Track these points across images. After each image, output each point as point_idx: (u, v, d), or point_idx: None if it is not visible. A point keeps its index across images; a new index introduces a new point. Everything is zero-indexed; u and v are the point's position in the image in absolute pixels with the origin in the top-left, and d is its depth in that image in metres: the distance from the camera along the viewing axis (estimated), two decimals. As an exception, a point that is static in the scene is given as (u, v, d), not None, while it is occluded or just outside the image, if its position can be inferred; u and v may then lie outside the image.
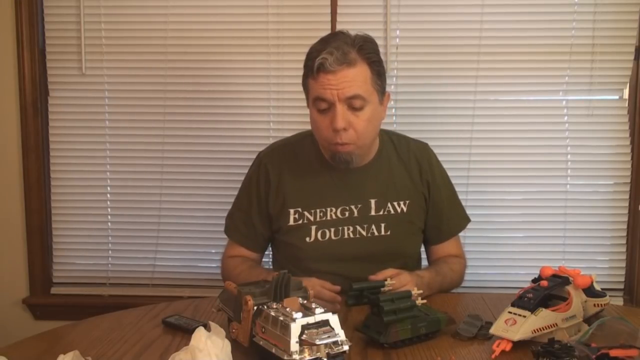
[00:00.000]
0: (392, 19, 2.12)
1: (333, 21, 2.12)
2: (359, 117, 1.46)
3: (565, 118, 2.14)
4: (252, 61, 2.16)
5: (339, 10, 2.12)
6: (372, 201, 1.58)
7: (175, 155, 2.21)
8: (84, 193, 2.25)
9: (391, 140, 1.65)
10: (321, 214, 1.56)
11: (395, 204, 1.59)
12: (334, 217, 1.57)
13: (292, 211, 1.58)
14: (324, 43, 1.48)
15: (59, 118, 2.23)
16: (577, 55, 2.10)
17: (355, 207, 1.57)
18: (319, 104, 1.47)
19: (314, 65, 1.44)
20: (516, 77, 2.13)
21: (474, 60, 2.12)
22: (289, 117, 2.16)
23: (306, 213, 1.57)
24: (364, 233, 1.57)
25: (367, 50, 1.47)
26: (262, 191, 1.60)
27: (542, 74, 2.11)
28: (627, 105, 2.13)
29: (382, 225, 1.57)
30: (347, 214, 1.57)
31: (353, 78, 1.44)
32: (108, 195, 2.24)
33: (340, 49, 1.43)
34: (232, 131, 2.19)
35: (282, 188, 1.59)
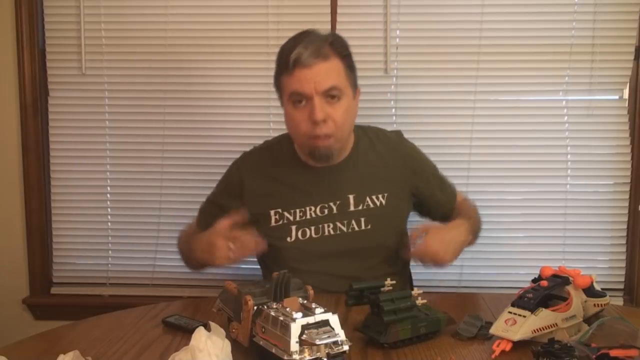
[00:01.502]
0: (392, 19, 2.12)
1: (333, 21, 2.12)
2: (337, 108, 1.49)
3: (565, 118, 2.14)
4: (252, 61, 2.16)
5: (339, 10, 2.12)
6: (351, 197, 1.59)
7: (175, 155, 2.21)
8: (84, 193, 2.25)
9: (366, 135, 1.67)
10: (301, 214, 1.58)
11: (374, 197, 1.60)
12: (313, 215, 1.58)
13: (272, 212, 1.59)
14: (295, 40, 1.51)
15: (59, 118, 2.23)
16: (577, 55, 2.10)
17: (334, 204, 1.58)
18: (296, 98, 1.49)
19: (289, 61, 1.46)
20: (516, 77, 2.12)
21: (474, 60, 2.12)
22: (289, 117, 2.16)
23: (286, 213, 1.58)
24: (344, 229, 1.57)
25: (338, 45, 1.51)
26: (232, 196, 1.65)
27: (542, 74, 2.11)
28: (627, 105, 2.13)
29: (362, 219, 1.58)
30: (326, 211, 1.58)
31: (328, 71, 1.47)
32: (108, 195, 2.24)
33: (314, 44, 1.47)
34: (232, 131, 2.19)
35: (259, 191, 1.61)
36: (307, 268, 1.51)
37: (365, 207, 1.59)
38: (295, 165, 1.63)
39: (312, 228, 1.58)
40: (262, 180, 1.63)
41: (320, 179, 1.60)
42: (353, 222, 1.58)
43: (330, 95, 1.48)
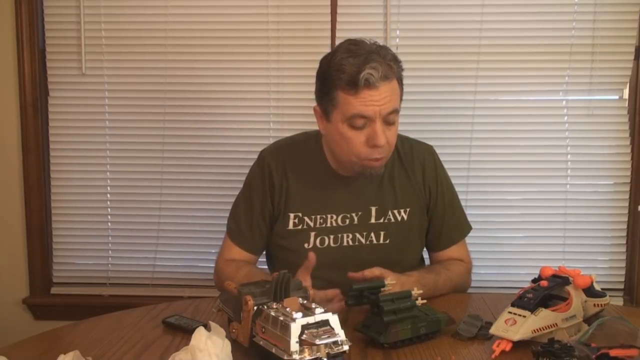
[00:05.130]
0: (392, 19, 2.12)
1: (333, 21, 2.12)
2: (392, 130, 1.46)
3: (565, 118, 2.14)
4: (252, 61, 2.16)
5: (339, 10, 2.12)
6: (373, 209, 1.56)
7: (175, 155, 2.21)
8: (84, 193, 2.25)
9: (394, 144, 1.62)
10: (321, 221, 1.55)
11: (396, 212, 1.57)
12: (334, 224, 1.55)
13: (292, 215, 1.56)
14: (357, 56, 1.41)
15: (59, 118, 2.23)
16: (577, 55, 2.10)
17: (356, 215, 1.55)
18: (357, 121, 1.42)
19: (358, 81, 1.38)
20: (516, 77, 2.13)
21: (474, 60, 2.12)
22: (289, 117, 2.16)
23: (306, 219, 1.55)
24: (363, 241, 1.55)
25: (396, 64, 1.46)
26: (267, 191, 1.58)
27: (542, 74, 2.12)
28: (627, 105, 2.13)
29: (382, 233, 1.56)
30: (347, 221, 1.55)
31: (391, 93, 1.42)
32: (108, 195, 2.24)
33: (382, 65, 1.40)
34: (232, 131, 2.19)
35: (284, 189, 1.57)
36: (323, 276, 1.46)
37: (386, 220, 1.56)
38: (321, 169, 1.57)
39: (331, 237, 1.55)
40: (286, 178, 1.57)
41: (345, 188, 1.56)
42: (372, 234, 1.56)
43: (389, 118, 1.43)
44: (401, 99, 1.50)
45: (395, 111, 1.45)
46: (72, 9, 2.18)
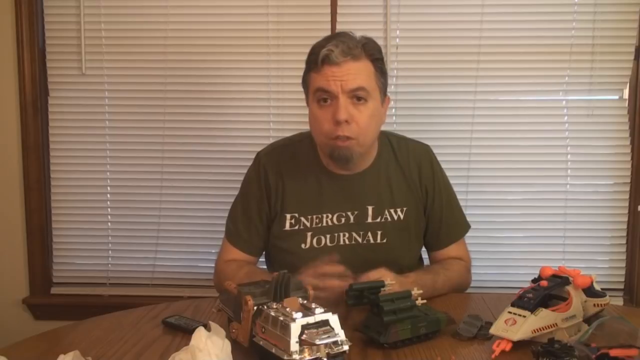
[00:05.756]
0: (392, 19, 2.12)
1: (333, 21, 2.13)
2: (362, 111, 1.45)
3: (565, 118, 2.14)
4: (252, 61, 2.16)
5: (339, 10, 2.12)
6: (369, 208, 1.56)
7: (175, 155, 2.21)
8: (84, 193, 2.25)
9: (390, 143, 1.62)
10: (317, 220, 1.55)
11: (392, 211, 1.57)
12: (329, 223, 1.55)
13: (288, 216, 1.56)
14: (327, 39, 1.48)
15: (59, 118, 2.23)
16: (577, 55, 2.10)
17: (352, 214, 1.55)
18: (321, 95, 1.45)
19: (319, 58, 1.43)
20: (516, 77, 2.13)
21: (474, 60, 2.12)
22: (289, 117, 2.16)
23: (302, 219, 1.55)
24: (360, 240, 1.55)
25: (370, 48, 1.48)
26: (263, 192, 1.58)
27: (542, 74, 2.12)
28: (627, 105, 2.13)
29: (379, 232, 1.55)
30: (343, 220, 1.55)
31: (357, 71, 1.44)
32: (108, 195, 2.24)
33: (346, 43, 1.44)
34: (232, 131, 2.19)
35: (280, 190, 1.57)
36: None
37: (383, 220, 1.56)
38: (316, 168, 1.57)
39: (328, 236, 1.55)
40: (282, 179, 1.58)
41: (340, 186, 1.56)
42: (369, 234, 1.55)
43: (357, 96, 1.44)
44: (382, 86, 1.50)
45: (362, 89, 1.44)
46: (72, 9, 2.18)
